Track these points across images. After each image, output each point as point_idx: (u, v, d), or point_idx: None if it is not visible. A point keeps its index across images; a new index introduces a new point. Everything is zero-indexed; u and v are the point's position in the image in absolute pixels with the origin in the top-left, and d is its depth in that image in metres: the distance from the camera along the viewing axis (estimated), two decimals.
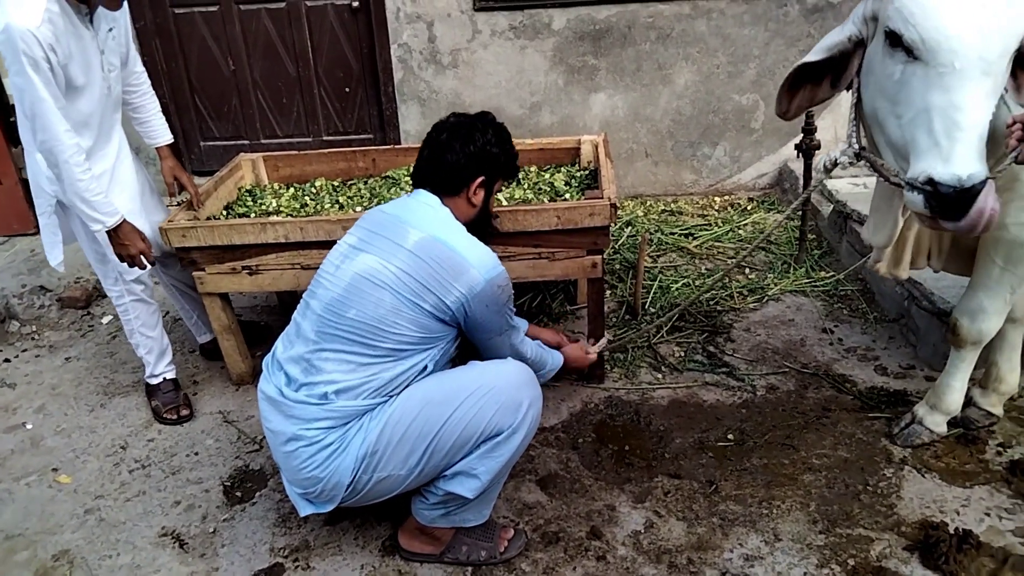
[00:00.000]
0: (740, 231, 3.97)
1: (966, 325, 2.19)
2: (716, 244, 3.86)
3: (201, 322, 3.07)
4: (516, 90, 4.37)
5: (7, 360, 3.28)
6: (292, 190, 3.17)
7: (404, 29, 4.23)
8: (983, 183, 1.51)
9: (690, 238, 3.94)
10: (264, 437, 2.61)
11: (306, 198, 3.08)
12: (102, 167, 2.50)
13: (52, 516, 2.33)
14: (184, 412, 2.76)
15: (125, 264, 2.52)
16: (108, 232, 2.42)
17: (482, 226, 2.05)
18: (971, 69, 1.51)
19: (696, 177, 4.55)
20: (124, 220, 2.42)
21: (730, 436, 2.50)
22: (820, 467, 2.33)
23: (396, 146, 3.52)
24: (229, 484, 2.42)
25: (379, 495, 1.89)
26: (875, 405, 2.59)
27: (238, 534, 2.21)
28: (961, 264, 2.31)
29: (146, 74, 2.75)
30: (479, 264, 1.86)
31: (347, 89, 4.46)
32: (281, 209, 2.96)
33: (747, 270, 3.62)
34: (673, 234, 3.98)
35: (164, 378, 2.83)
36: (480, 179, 1.97)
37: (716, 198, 4.47)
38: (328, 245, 2.61)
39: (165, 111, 2.90)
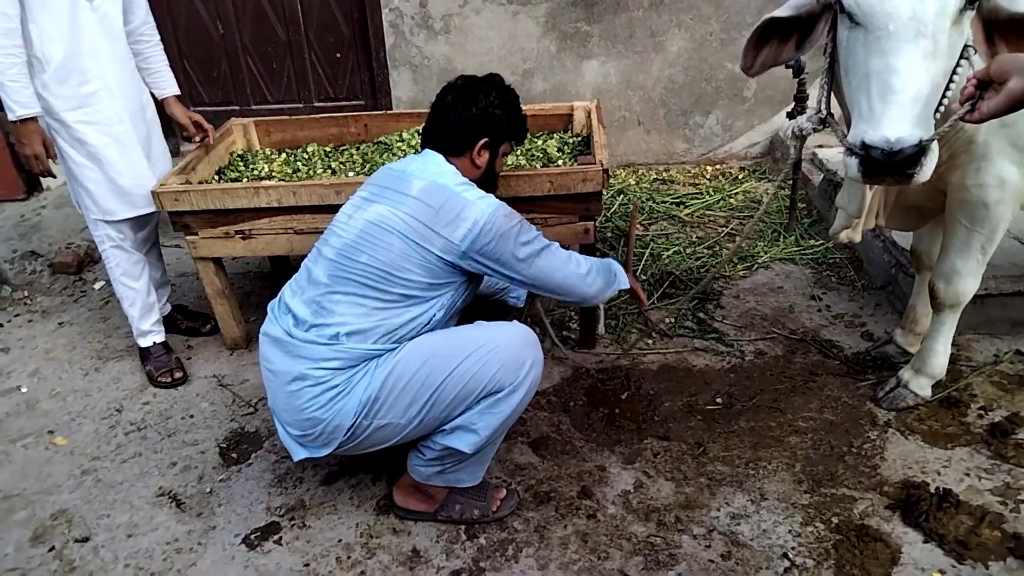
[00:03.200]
0: (731, 200, 3.99)
1: (943, 288, 2.23)
2: (707, 213, 3.88)
3: (158, 295, 3.01)
4: (508, 56, 4.34)
5: (0, 325, 3.29)
6: (284, 155, 3.15)
7: None
8: (915, 146, 1.50)
9: (681, 207, 3.95)
10: (260, 400, 2.65)
11: (298, 163, 3.07)
12: (93, 86, 2.49)
13: (49, 477, 2.36)
14: (178, 375, 2.77)
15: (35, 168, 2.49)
16: (16, 128, 2.38)
17: (487, 187, 2.05)
18: (905, 31, 1.50)
19: (688, 146, 4.55)
20: (33, 119, 2.38)
21: (718, 400, 2.54)
22: (806, 429, 2.38)
23: (388, 111, 3.50)
24: (225, 446, 2.45)
25: (375, 443, 1.91)
26: (861, 370, 2.64)
27: (234, 494, 2.24)
28: (903, 220, 2.40)
29: (155, 26, 2.78)
30: (480, 200, 1.89)
31: (338, 55, 4.41)
32: (273, 174, 2.95)
33: (737, 238, 3.64)
34: (664, 202, 3.99)
35: (154, 342, 2.84)
36: (483, 140, 1.99)
37: (708, 167, 4.48)
38: (321, 210, 2.64)
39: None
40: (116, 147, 2.57)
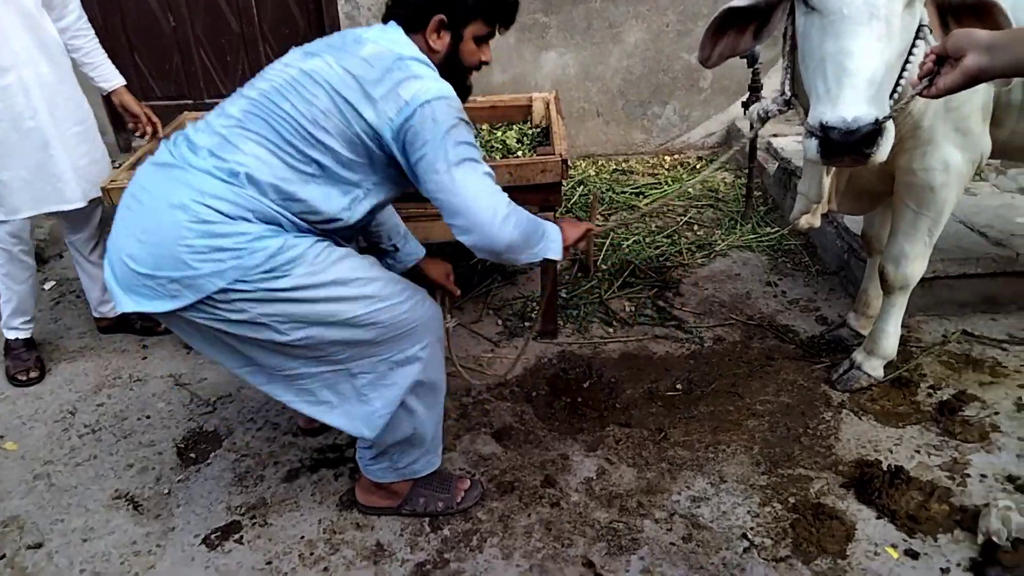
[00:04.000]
0: (689, 190, 4.04)
1: (892, 271, 2.29)
2: (666, 202, 3.92)
3: (92, 297, 2.97)
4: None
5: None
6: None
7: None
8: (872, 125, 1.53)
9: (640, 197, 3.99)
10: (219, 399, 2.61)
11: None
12: (5, 80, 2.42)
13: (0, 483, 2.29)
14: (33, 375, 2.75)
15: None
16: None
17: (454, 81, 1.74)
18: (859, 14, 1.54)
19: (646, 136, 4.59)
20: None
21: (678, 386, 2.58)
22: (763, 412, 2.43)
23: None
24: (183, 446, 2.41)
25: (229, 351, 1.74)
26: (816, 353, 2.70)
27: (193, 494, 2.21)
28: (854, 204, 2.46)
29: (88, 20, 2.69)
30: (431, 79, 1.65)
31: (293, 46, 4.34)
32: None
33: (696, 227, 3.69)
34: (624, 193, 4.02)
35: (17, 337, 2.80)
36: (438, 17, 1.73)
37: (666, 157, 4.53)
38: None
39: None
40: (22, 143, 2.50)
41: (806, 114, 1.83)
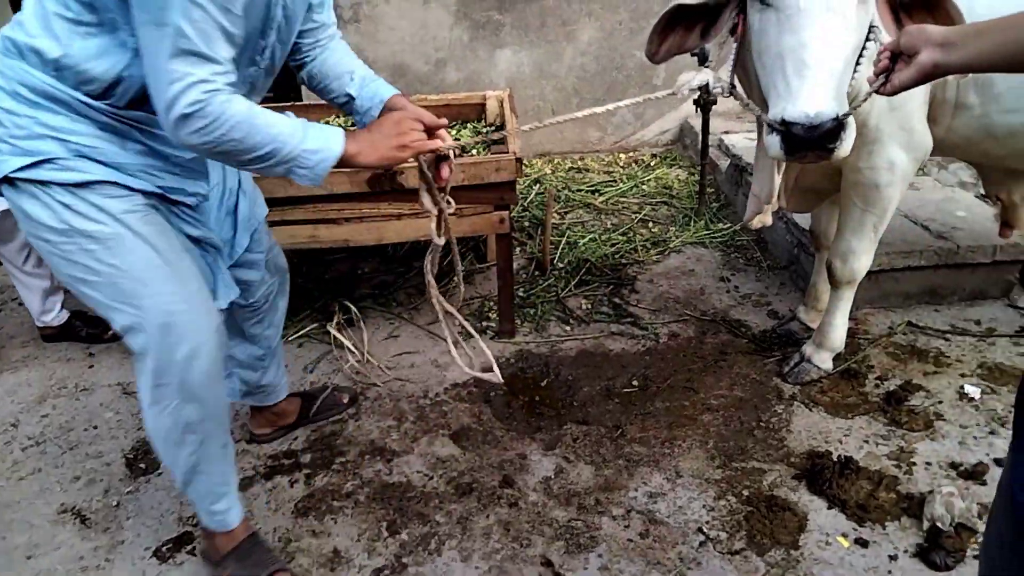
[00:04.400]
0: (644, 186, 4.08)
1: (839, 266, 2.35)
2: (621, 200, 3.95)
3: (32, 308, 2.87)
4: (420, 46, 4.29)
5: None
6: None
7: None
8: (834, 120, 1.54)
9: (596, 194, 4.01)
10: None
11: None
12: None
13: None
14: None
15: None
16: None
17: None
18: (815, 8, 1.56)
19: (601, 134, 4.62)
20: None
21: (635, 382, 2.60)
22: (718, 407, 2.46)
23: (297, 103, 3.41)
24: (132, 456, 2.34)
25: None
26: (768, 347, 2.75)
27: (143, 506, 2.15)
28: (802, 202, 2.51)
29: None
30: None
31: None
32: None
33: (650, 224, 3.73)
34: (580, 191, 4.04)
35: None
36: None
37: (621, 155, 4.56)
38: None
39: None
40: None
41: (764, 111, 1.83)
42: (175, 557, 1.98)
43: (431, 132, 1.65)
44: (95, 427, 2.48)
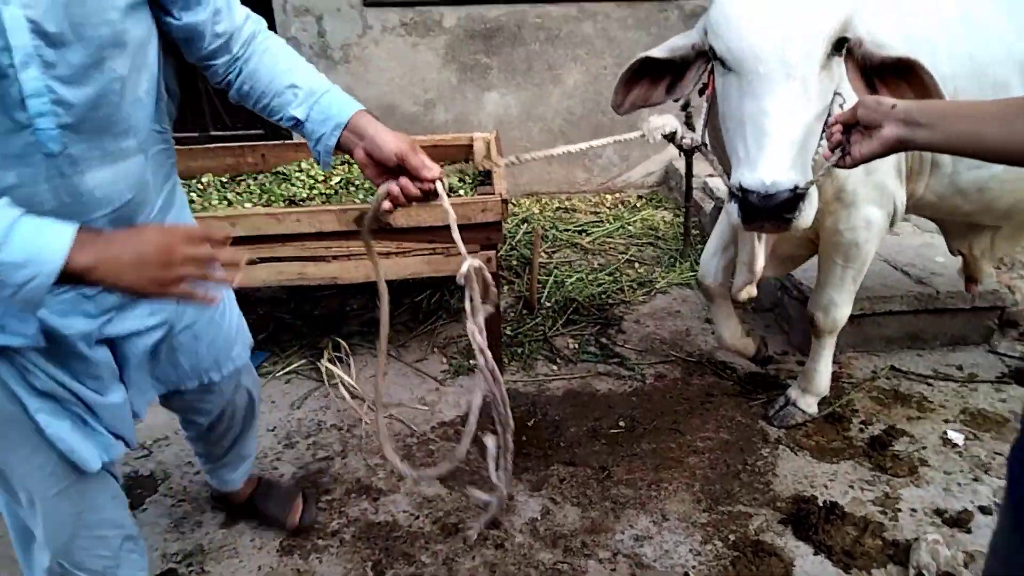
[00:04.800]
0: (630, 227, 4.13)
1: (821, 318, 2.39)
2: (608, 240, 3.99)
3: None
4: (409, 87, 4.35)
5: None
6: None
7: (292, 22, 4.13)
8: (791, 191, 1.48)
9: (583, 234, 4.05)
10: (155, 442, 2.51)
11: (192, 194, 2.96)
12: None
13: None
14: None
15: None
16: None
17: None
18: (775, 74, 1.50)
19: (588, 175, 4.68)
20: None
21: (621, 423, 2.60)
22: (704, 449, 2.47)
23: (287, 141, 3.43)
24: None
25: None
26: (753, 389, 2.77)
27: None
28: (779, 268, 2.54)
29: None
30: None
31: None
32: None
33: (637, 265, 3.76)
34: (567, 230, 4.08)
35: None
36: None
37: (607, 196, 4.62)
38: None
39: None
40: None
41: (708, 159, 1.85)
42: None
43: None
44: None
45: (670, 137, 1.75)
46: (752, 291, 2.37)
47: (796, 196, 1.50)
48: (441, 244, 2.64)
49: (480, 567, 2.02)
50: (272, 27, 4.07)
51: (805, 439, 2.51)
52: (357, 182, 3.03)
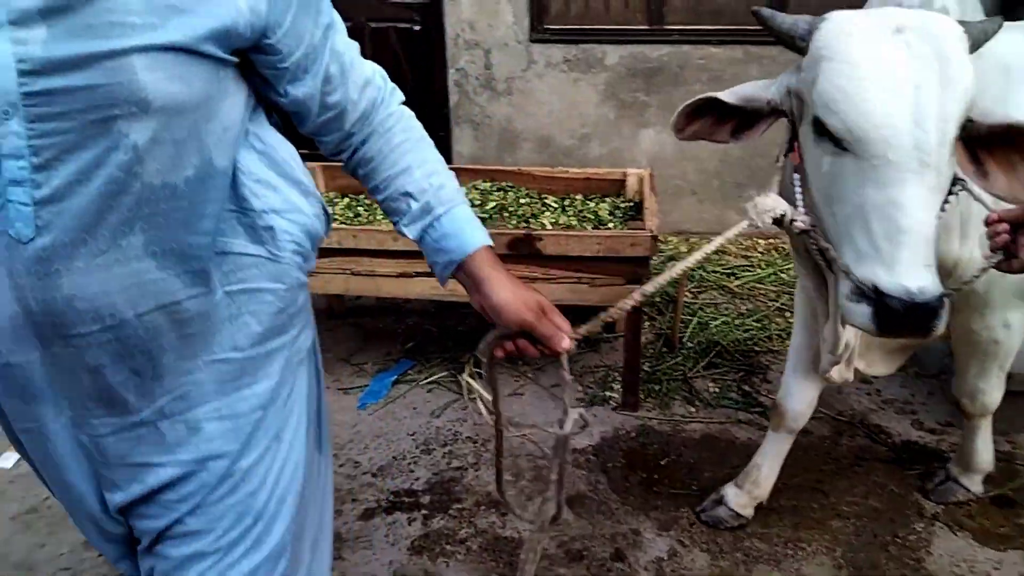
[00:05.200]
0: (783, 275, 3.98)
1: (969, 403, 2.19)
2: (758, 286, 3.87)
3: None
4: (567, 120, 4.46)
5: None
6: (347, 200, 3.28)
7: (462, 55, 4.37)
8: (939, 299, 1.26)
9: (732, 277, 3.95)
10: None
11: (360, 208, 3.18)
12: None
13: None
14: None
15: None
16: None
17: None
18: (908, 161, 1.28)
19: (741, 218, 4.56)
20: None
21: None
22: (849, 514, 2.32)
23: (449, 165, 3.62)
24: None
25: None
26: (909, 459, 2.57)
27: None
28: (886, 364, 2.22)
29: None
30: None
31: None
32: (336, 217, 3.06)
33: (787, 313, 3.62)
34: (715, 272, 4.00)
35: None
36: None
37: (760, 240, 4.48)
38: (379, 254, 2.72)
39: None
40: None
41: (820, 247, 1.45)
42: None
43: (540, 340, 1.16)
44: None
45: (779, 221, 1.48)
46: (848, 375, 2.05)
47: (942, 302, 1.28)
48: (587, 274, 2.67)
49: None
50: (443, 58, 4.37)
51: (967, 519, 2.29)
52: (510, 207, 3.14)
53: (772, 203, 1.47)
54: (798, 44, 1.41)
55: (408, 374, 3.04)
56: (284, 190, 1.12)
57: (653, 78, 4.32)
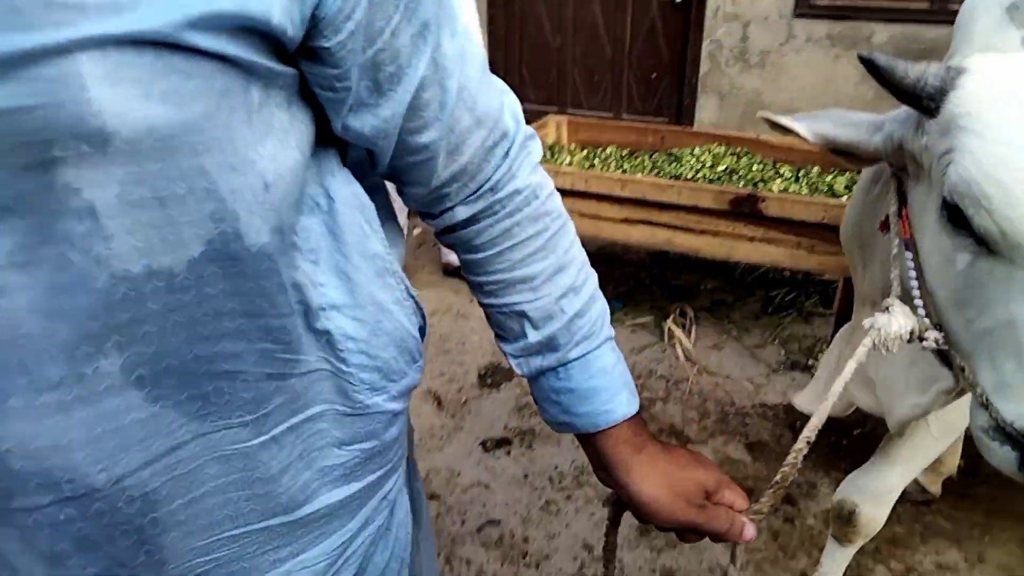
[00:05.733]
0: None
1: None
2: None
3: (442, 249, 3.48)
4: (821, 96, 4.36)
5: None
6: (586, 152, 3.58)
7: (719, 27, 4.44)
8: None
9: None
10: None
11: (596, 160, 3.48)
12: None
13: None
14: None
15: None
16: None
17: None
18: None
19: None
20: None
21: (961, 461, 2.41)
22: None
23: (687, 128, 3.78)
24: (483, 372, 2.90)
25: None
26: None
27: (483, 408, 2.68)
28: None
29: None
30: None
31: (653, 75, 4.79)
32: (572, 164, 3.38)
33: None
34: None
35: None
36: None
37: None
38: (605, 199, 2.99)
39: (494, 70, 3.06)
40: None
41: (954, 365, 1.07)
42: (495, 452, 2.45)
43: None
44: (463, 343, 3.11)
45: (909, 339, 1.12)
46: (820, 411, 1.41)
47: None
48: (807, 239, 2.72)
49: (764, 531, 2.12)
50: (700, 29, 4.49)
51: None
52: (741, 171, 3.24)
53: (898, 324, 1.07)
54: (925, 105, 1.01)
55: (615, 315, 3.30)
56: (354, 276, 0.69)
57: (925, 60, 4.07)
